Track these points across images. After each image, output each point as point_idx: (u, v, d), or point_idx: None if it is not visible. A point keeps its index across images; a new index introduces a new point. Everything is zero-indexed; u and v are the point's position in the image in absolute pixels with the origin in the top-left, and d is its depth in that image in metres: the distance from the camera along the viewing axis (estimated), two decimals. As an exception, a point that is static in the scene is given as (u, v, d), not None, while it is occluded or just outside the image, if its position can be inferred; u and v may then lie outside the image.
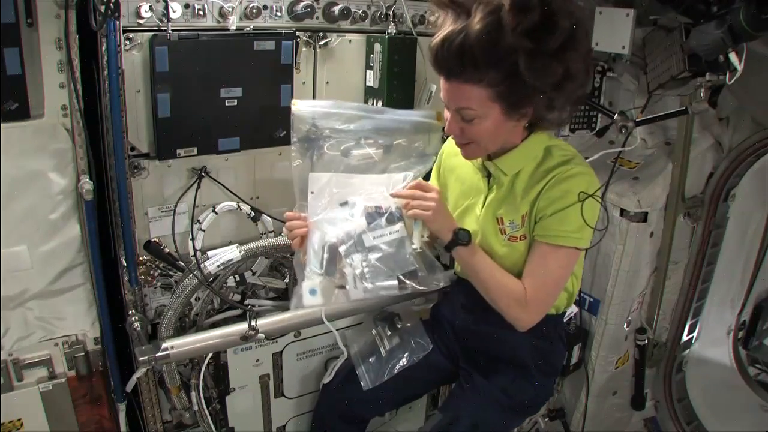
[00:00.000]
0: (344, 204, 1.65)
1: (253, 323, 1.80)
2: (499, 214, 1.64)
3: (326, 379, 2.08)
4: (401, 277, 1.58)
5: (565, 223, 1.53)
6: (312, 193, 1.64)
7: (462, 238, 1.60)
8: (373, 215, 1.62)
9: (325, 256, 1.57)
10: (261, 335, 1.83)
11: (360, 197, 1.66)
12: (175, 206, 1.88)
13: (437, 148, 1.79)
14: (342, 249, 1.57)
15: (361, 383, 1.91)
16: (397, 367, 1.92)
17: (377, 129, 1.69)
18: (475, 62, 1.36)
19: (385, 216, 1.62)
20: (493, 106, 1.43)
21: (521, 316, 1.61)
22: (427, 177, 1.80)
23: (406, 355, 1.94)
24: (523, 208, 1.60)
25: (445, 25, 1.39)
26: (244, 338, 1.82)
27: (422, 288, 1.63)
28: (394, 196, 1.64)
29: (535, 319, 1.63)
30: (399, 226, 1.61)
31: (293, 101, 1.64)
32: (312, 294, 1.57)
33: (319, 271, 1.57)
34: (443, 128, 1.64)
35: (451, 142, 1.82)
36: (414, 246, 1.59)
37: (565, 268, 1.63)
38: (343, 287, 1.58)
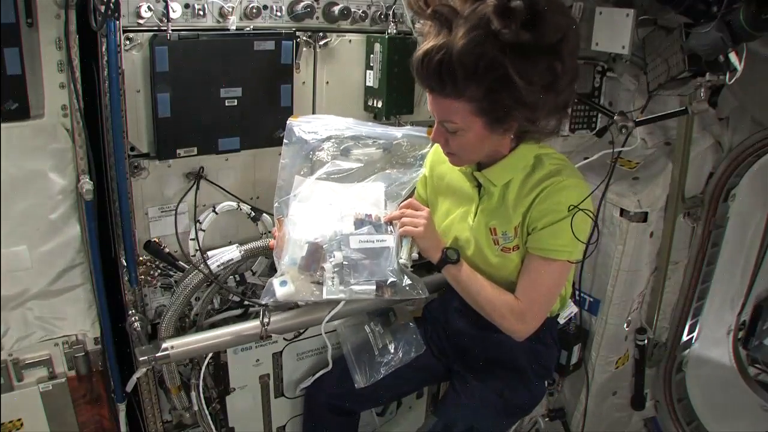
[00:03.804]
0: (332, 206, 1.69)
1: (265, 320, 1.80)
2: (492, 225, 1.64)
3: (305, 384, 2.13)
4: (379, 283, 1.60)
5: (558, 237, 1.54)
6: (294, 195, 1.70)
7: (450, 256, 1.63)
8: (362, 222, 1.66)
9: (306, 251, 1.60)
10: (271, 334, 1.84)
11: (348, 202, 1.71)
12: (177, 206, 1.88)
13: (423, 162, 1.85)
14: (325, 245, 1.61)
15: (354, 380, 1.92)
16: (390, 365, 1.93)
17: (365, 136, 1.79)
18: (455, 79, 1.35)
19: (375, 225, 1.66)
20: (476, 120, 1.43)
21: (517, 327, 1.63)
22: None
23: (399, 354, 1.95)
24: (515, 219, 1.60)
25: (429, 37, 1.38)
26: (262, 337, 1.81)
27: (398, 298, 1.66)
28: (387, 220, 1.69)
29: (530, 330, 1.64)
30: (387, 236, 1.65)
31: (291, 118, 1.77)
32: (282, 285, 1.59)
33: (295, 264, 1.59)
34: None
35: (438, 150, 1.81)
36: (402, 259, 1.62)
37: (559, 280, 1.65)
38: (319, 283, 1.60)
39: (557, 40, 1.32)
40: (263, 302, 1.65)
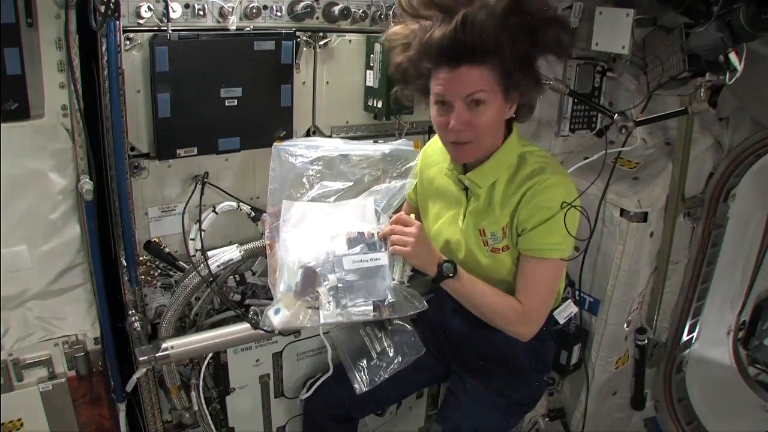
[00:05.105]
0: (323, 228, 1.67)
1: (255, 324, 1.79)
2: (481, 227, 1.65)
3: (303, 395, 2.12)
4: (376, 303, 1.57)
5: (548, 236, 1.55)
6: (284, 221, 1.67)
7: (447, 271, 1.60)
8: (355, 241, 1.63)
9: (301, 276, 1.56)
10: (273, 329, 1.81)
11: (339, 222, 1.68)
12: (184, 208, 1.88)
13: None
14: (319, 269, 1.57)
15: (354, 386, 1.88)
16: (390, 369, 1.89)
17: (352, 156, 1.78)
18: (497, 38, 1.40)
19: (368, 243, 1.63)
20: (497, 89, 1.46)
21: (523, 330, 1.64)
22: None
23: (398, 358, 1.91)
24: (503, 219, 1.61)
25: (435, 25, 1.41)
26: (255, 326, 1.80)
27: (396, 316, 1.63)
28: (381, 237, 1.65)
29: (536, 330, 1.66)
30: (381, 254, 1.61)
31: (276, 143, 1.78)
32: (276, 314, 1.55)
33: (291, 290, 1.56)
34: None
35: (425, 155, 1.84)
36: (395, 279, 1.60)
37: (555, 278, 1.67)
38: (315, 308, 1.56)
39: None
40: (263, 331, 1.68)
